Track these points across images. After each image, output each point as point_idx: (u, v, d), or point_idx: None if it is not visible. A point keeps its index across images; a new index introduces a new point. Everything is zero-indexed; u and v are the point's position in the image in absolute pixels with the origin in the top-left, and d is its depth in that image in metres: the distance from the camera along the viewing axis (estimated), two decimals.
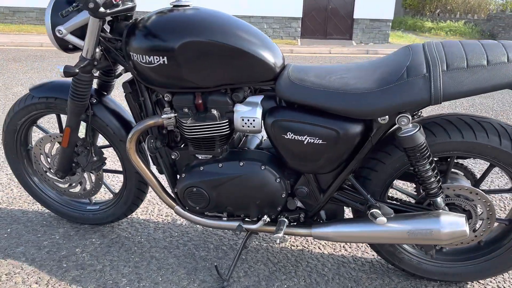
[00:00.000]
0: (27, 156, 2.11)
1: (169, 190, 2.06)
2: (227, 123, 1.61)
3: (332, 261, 1.92)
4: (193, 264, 1.88)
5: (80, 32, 1.65)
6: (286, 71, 1.56)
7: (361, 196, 1.61)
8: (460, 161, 1.75)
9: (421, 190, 1.75)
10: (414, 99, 1.37)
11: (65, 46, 1.70)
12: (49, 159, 2.01)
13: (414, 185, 1.80)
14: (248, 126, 1.58)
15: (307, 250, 2.00)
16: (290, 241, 2.06)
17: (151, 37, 1.52)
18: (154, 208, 2.36)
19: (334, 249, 2.02)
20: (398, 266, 1.78)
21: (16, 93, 4.85)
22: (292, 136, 1.54)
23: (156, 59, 1.52)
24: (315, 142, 1.51)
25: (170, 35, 1.49)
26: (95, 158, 1.90)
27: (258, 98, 1.61)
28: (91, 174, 2.01)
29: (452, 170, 1.66)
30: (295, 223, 1.73)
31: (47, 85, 1.89)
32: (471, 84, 1.33)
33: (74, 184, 2.05)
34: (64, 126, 1.83)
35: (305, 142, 1.53)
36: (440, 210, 1.51)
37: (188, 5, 1.62)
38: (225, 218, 1.76)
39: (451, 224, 1.45)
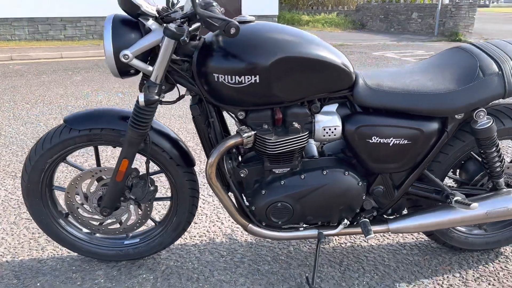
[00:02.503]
0: (51, 197, 1.85)
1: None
2: (308, 135, 1.62)
3: (385, 251, 2.05)
4: (265, 280, 1.85)
5: (141, 56, 1.51)
6: (361, 78, 1.62)
7: (435, 187, 1.75)
8: None
9: (458, 175, 1.96)
10: (491, 95, 1.55)
11: (124, 71, 1.54)
12: (87, 198, 1.80)
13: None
14: (330, 135, 1.62)
15: (357, 245, 2.10)
16: (333, 239, 2.14)
17: (240, 56, 1.46)
18: None
19: (377, 239, 2.15)
20: (448, 244, 1.98)
21: None
22: (377, 140, 1.61)
23: (247, 78, 1.47)
24: (400, 143, 1.61)
25: (262, 53, 1.46)
26: (151, 188, 1.75)
27: (334, 107, 1.65)
28: (139, 206, 1.84)
29: None
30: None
31: (87, 116, 1.69)
32: None
33: (113, 220, 1.86)
34: (120, 159, 1.65)
35: (390, 144, 1.62)
36: (508, 189, 1.72)
37: (253, 21, 1.59)
38: (302, 228, 1.78)
39: None
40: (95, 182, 1.80)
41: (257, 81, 1.48)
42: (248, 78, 1.47)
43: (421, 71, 1.68)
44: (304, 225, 1.78)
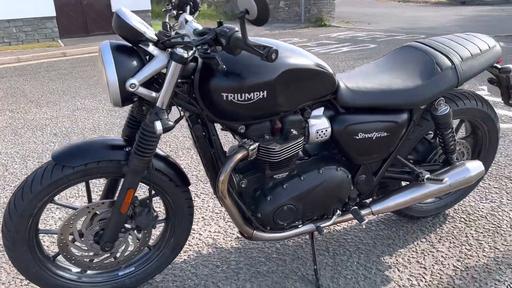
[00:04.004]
0: (37, 242, 1.68)
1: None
2: (303, 139, 1.74)
3: (358, 231, 2.28)
4: (270, 280, 1.94)
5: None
6: (341, 82, 1.78)
7: (405, 169, 2.01)
8: None
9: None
10: (448, 86, 1.84)
11: (127, 99, 1.47)
12: (82, 235, 1.68)
13: None
14: (322, 137, 1.76)
15: (332, 230, 2.30)
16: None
17: (248, 74, 1.51)
18: None
19: (349, 224, 2.37)
20: (408, 214, 2.29)
21: None
22: (363, 136, 1.80)
23: (256, 94, 1.53)
24: (381, 135, 1.82)
25: (268, 68, 1.53)
26: (154, 214, 1.71)
27: (321, 111, 1.79)
28: (138, 233, 1.78)
29: None
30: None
31: (79, 150, 1.56)
32: (478, 68, 1.89)
33: (112, 253, 1.77)
34: (124, 189, 1.58)
35: (374, 138, 1.82)
36: (460, 161, 2.05)
37: None
38: (300, 225, 1.90)
39: (476, 168, 2.02)
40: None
41: (265, 96, 1.54)
42: (257, 94, 1.53)
43: (387, 70, 1.91)
44: (302, 221, 1.90)
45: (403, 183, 2.13)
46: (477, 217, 2.37)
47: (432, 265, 2.00)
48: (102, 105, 5.18)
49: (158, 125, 1.43)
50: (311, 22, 13.88)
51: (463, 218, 2.37)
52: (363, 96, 1.77)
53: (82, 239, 1.69)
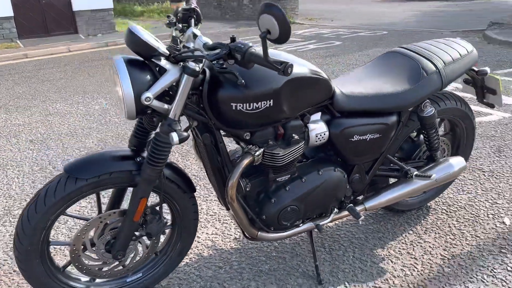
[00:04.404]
0: (48, 254, 1.70)
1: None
2: (304, 143, 1.84)
3: (349, 226, 2.41)
4: (273, 278, 2.03)
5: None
6: (336, 88, 1.89)
7: (395, 167, 2.14)
8: None
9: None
10: (433, 89, 1.99)
11: (141, 112, 1.51)
12: (93, 245, 1.71)
13: None
14: (320, 140, 1.86)
15: (327, 228, 2.41)
16: None
17: (255, 84, 1.58)
18: None
19: (339, 220, 2.48)
20: (394, 209, 2.43)
21: None
22: (357, 138, 1.92)
23: (264, 103, 1.61)
24: (374, 137, 1.94)
25: (273, 78, 1.61)
26: (165, 221, 1.76)
27: (318, 116, 1.89)
28: (148, 240, 1.82)
29: None
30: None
31: (91, 162, 1.59)
32: (458, 71, 2.04)
33: (122, 260, 1.80)
34: (137, 198, 1.62)
35: (367, 140, 1.94)
36: (444, 158, 2.21)
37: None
38: (301, 224, 1.99)
39: (459, 164, 2.18)
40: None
41: (271, 104, 1.62)
42: (264, 103, 1.61)
43: (376, 75, 2.03)
44: (302, 220, 2.00)
45: (391, 180, 2.27)
46: (456, 208, 2.54)
47: (422, 255, 2.14)
48: (75, 109, 5.10)
49: (175, 137, 1.48)
50: None
51: (444, 209, 2.54)
52: (357, 100, 1.89)
53: (93, 248, 1.72)
